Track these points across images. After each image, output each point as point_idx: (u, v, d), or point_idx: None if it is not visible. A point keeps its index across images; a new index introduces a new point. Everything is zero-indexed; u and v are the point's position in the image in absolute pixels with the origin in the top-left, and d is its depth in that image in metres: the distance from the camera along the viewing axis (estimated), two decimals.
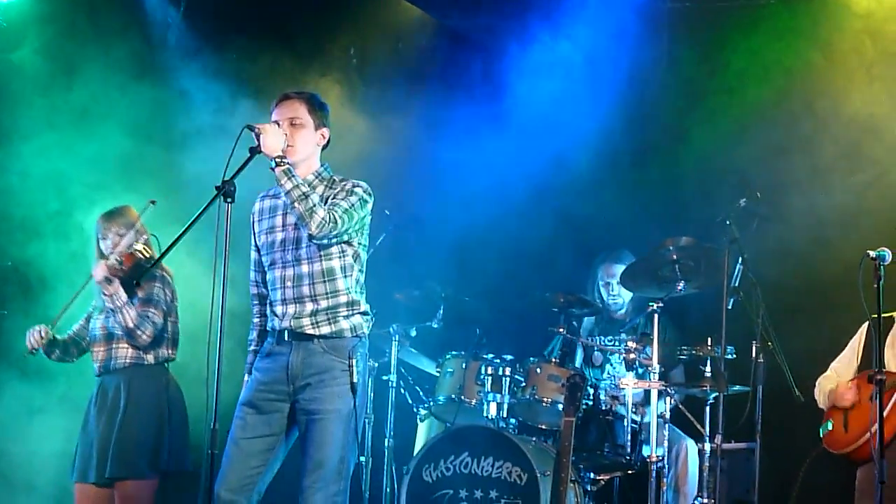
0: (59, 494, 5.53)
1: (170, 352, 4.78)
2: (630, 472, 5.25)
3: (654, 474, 5.04)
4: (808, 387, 4.94)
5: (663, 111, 6.43)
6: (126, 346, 4.69)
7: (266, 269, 4.10)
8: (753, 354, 5.09)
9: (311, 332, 3.96)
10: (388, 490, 5.64)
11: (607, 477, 5.21)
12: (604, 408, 5.33)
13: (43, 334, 4.76)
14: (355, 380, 3.93)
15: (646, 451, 5.14)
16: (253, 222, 4.18)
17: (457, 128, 6.20)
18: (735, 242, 5.09)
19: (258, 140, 3.86)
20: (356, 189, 4.02)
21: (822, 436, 4.69)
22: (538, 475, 4.92)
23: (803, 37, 6.06)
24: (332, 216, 3.89)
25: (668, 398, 5.24)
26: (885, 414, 4.22)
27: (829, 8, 6.06)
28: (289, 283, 4.00)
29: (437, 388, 5.56)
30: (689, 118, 6.21)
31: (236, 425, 3.98)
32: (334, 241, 3.97)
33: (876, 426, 4.10)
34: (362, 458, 5.57)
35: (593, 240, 6.23)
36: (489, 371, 5.36)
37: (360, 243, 4.08)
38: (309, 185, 3.96)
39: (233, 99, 5.94)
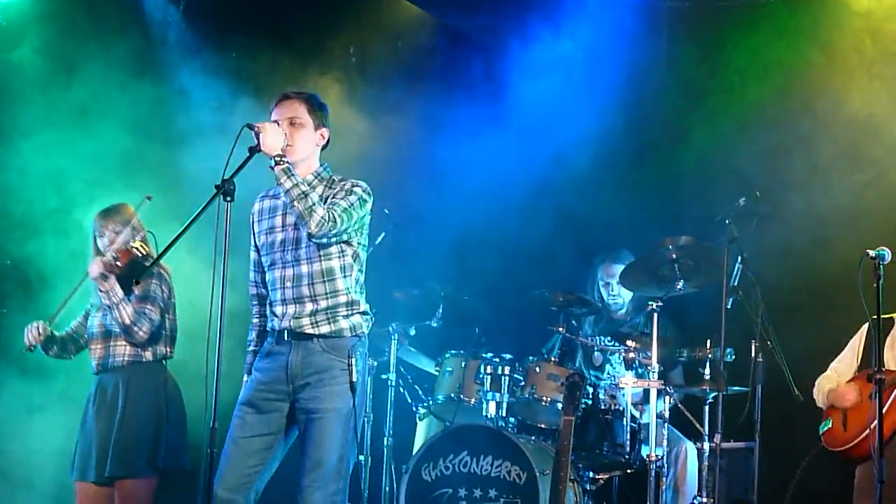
0: (59, 492, 5.53)
1: (167, 349, 4.78)
2: (629, 471, 5.25)
3: (653, 473, 5.04)
4: (807, 386, 4.94)
5: (663, 110, 6.43)
6: (124, 343, 4.69)
7: (266, 269, 4.10)
8: (753, 354, 5.09)
9: (310, 331, 3.96)
10: (387, 489, 5.64)
11: (606, 476, 5.21)
12: (603, 407, 5.33)
13: (41, 331, 4.76)
14: (354, 379, 3.93)
15: (645, 450, 5.14)
16: (252, 223, 4.18)
17: (456, 127, 6.20)
18: (734, 242, 5.10)
19: (258, 139, 3.86)
20: (355, 189, 4.02)
21: (821, 434, 4.69)
22: (537, 474, 4.92)
23: (803, 36, 6.06)
24: (331, 215, 3.89)
25: (667, 397, 5.24)
26: (883, 412, 4.22)
27: (828, 6, 6.06)
28: (288, 284, 4.00)
29: (437, 387, 5.56)
30: (689, 117, 6.21)
31: (235, 424, 3.98)
32: (333, 240, 3.97)
33: (875, 423, 4.10)
34: (361, 457, 5.57)
35: (593, 239, 6.23)
36: (488, 370, 5.36)
37: (359, 243, 4.08)
38: (308, 185, 3.96)
39: (232, 97, 5.94)
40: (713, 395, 5.07)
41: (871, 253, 4.25)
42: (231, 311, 3.69)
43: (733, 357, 5.12)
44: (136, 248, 4.65)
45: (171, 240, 3.72)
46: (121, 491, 4.63)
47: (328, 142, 4.14)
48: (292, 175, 3.90)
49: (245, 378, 4.12)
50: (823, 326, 5.47)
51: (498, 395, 5.30)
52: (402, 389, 5.79)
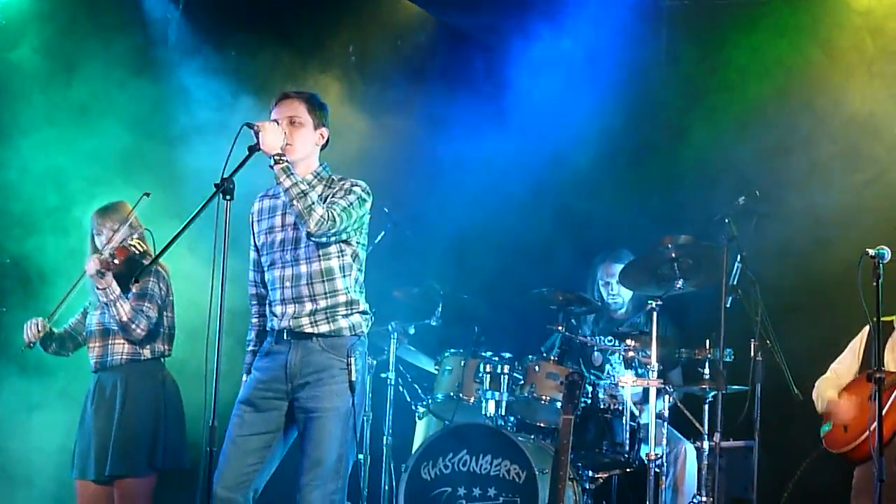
0: (59, 490, 5.53)
1: (166, 347, 4.79)
2: (628, 470, 5.24)
3: (652, 473, 5.03)
4: (806, 385, 4.93)
5: (663, 109, 6.43)
6: (122, 341, 4.70)
7: (265, 269, 4.10)
8: (752, 353, 5.08)
9: (309, 330, 3.96)
10: (386, 488, 5.64)
11: (606, 475, 5.21)
12: (602, 406, 5.33)
13: (40, 328, 4.77)
14: (354, 378, 3.93)
15: (644, 449, 5.14)
16: (252, 222, 4.18)
17: (455, 126, 6.20)
18: (734, 241, 5.09)
19: (257, 138, 3.86)
20: (354, 188, 4.02)
21: (821, 436, 4.69)
22: (536, 473, 4.92)
23: (804, 34, 6.05)
24: (330, 214, 3.89)
25: (666, 396, 5.24)
26: (883, 413, 4.22)
27: (829, 4, 6.06)
28: (287, 283, 4.00)
29: (436, 386, 5.56)
30: (689, 116, 6.20)
31: (234, 423, 3.98)
32: (333, 239, 3.97)
33: (875, 425, 4.10)
34: (361, 456, 5.57)
35: (592, 238, 6.23)
36: (488, 369, 5.36)
37: (358, 242, 4.08)
38: (308, 184, 3.96)
39: (232, 95, 5.94)
40: (713, 394, 5.07)
41: (871, 252, 4.25)
42: (231, 310, 3.69)
43: (733, 356, 5.12)
44: (134, 246, 4.66)
45: (171, 238, 3.73)
46: (120, 489, 4.63)
47: (328, 141, 4.14)
48: (292, 174, 3.90)
49: (244, 378, 4.12)
50: (823, 325, 5.47)
51: (497, 393, 5.30)
52: (401, 388, 5.79)
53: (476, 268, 6.30)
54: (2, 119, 5.86)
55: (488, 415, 5.30)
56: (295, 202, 3.87)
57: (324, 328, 3.96)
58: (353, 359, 3.95)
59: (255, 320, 4.20)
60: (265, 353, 4.04)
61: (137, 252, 4.66)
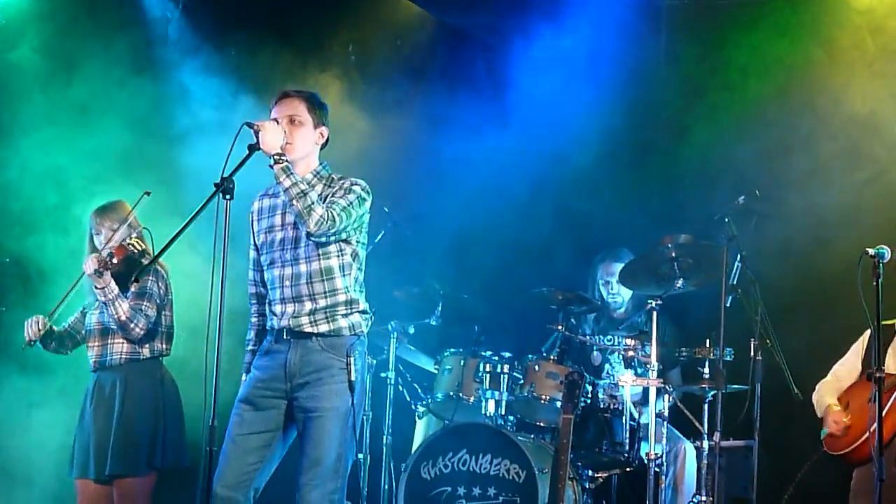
0: (59, 488, 5.54)
1: (164, 346, 4.79)
2: (628, 469, 5.25)
3: (652, 472, 5.03)
4: (806, 385, 4.94)
5: (663, 109, 6.42)
6: (121, 341, 4.70)
7: (265, 268, 4.10)
8: (752, 352, 5.08)
9: (309, 330, 3.96)
10: (386, 487, 5.65)
11: (605, 474, 5.21)
12: (602, 405, 5.32)
13: (41, 326, 4.76)
14: (353, 378, 3.93)
15: (644, 448, 5.14)
16: (252, 221, 4.18)
17: (455, 125, 6.20)
18: (734, 240, 5.09)
19: (257, 137, 3.86)
20: (354, 187, 4.02)
21: (822, 439, 4.69)
22: (536, 472, 4.92)
23: (804, 33, 6.04)
24: (330, 214, 3.89)
25: (666, 396, 5.24)
26: (883, 414, 4.22)
27: (829, 3, 6.05)
28: (287, 282, 4.00)
29: (436, 386, 5.56)
30: (689, 115, 6.20)
31: (233, 422, 3.98)
32: (332, 238, 3.97)
33: (875, 426, 4.09)
34: (360, 456, 5.58)
35: (592, 237, 6.22)
36: (487, 368, 5.36)
37: (358, 241, 4.08)
38: (307, 184, 3.96)
39: (232, 94, 5.95)
40: (712, 393, 5.07)
41: (871, 251, 4.24)
42: (233, 309, 3.70)
43: (732, 356, 5.12)
44: (132, 245, 4.65)
45: (171, 238, 3.72)
46: (119, 489, 4.63)
47: (327, 140, 4.14)
48: (291, 174, 3.90)
49: (243, 377, 4.12)
50: (823, 325, 5.47)
51: (497, 393, 5.30)
52: (401, 388, 5.79)
53: (476, 267, 6.30)
54: (2, 118, 5.86)
55: (488, 414, 5.30)
56: (294, 202, 3.87)
57: (323, 328, 3.96)
58: (352, 358, 3.95)
59: (254, 319, 4.20)
60: (265, 352, 4.05)
61: (136, 251, 4.66)
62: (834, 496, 4.81)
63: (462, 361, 5.46)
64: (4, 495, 5.72)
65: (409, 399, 5.81)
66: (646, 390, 5.22)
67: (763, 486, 5.18)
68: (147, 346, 4.72)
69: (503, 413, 5.31)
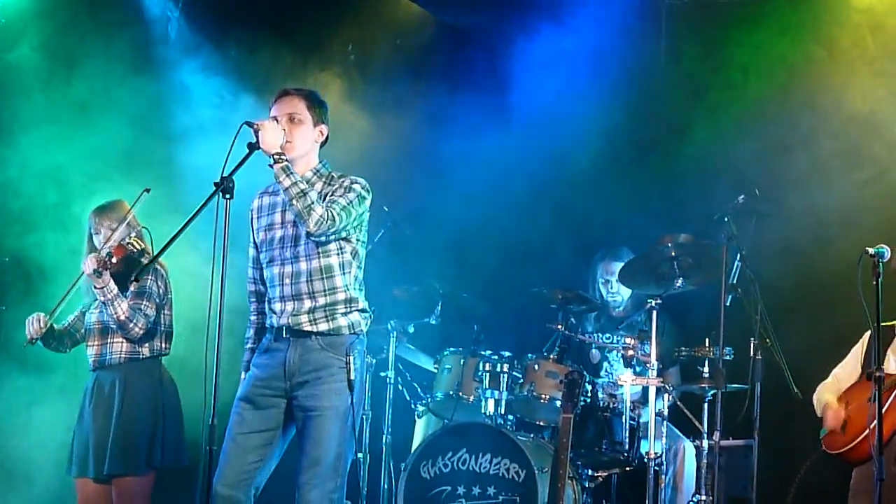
0: (59, 487, 5.54)
1: (164, 345, 4.78)
2: (628, 468, 5.24)
3: (652, 471, 5.03)
4: (806, 384, 4.93)
5: (664, 107, 6.42)
6: (121, 340, 4.70)
7: (264, 265, 4.10)
8: (752, 351, 5.08)
9: (308, 328, 3.96)
10: (385, 486, 5.65)
11: (605, 474, 5.20)
12: (602, 405, 5.32)
13: (42, 323, 4.76)
14: (352, 377, 3.93)
15: (644, 447, 5.14)
16: (251, 219, 4.18)
17: (455, 124, 6.20)
18: (733, 239, 5.09)
19: (257, 137, 3.86)
20: (354, 186, 4.01)
21: (821, 438, 4.69)
22: (536, 472, 4.92)
23: (805, 32, 6.04)
24: (330, 213, 3.88)
25: (666, 395, 5.24)
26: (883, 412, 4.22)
27: (829, 2, 6.04)
28: (287, 280, 4.00)
29: (435, 385, 5.56)
30: (690, 114, 6.19)
31: (233, 421, 3.98)
32: (332, 238, 3.97)
33: (875, 423, 4.09)
34: (360, 455, 5.58)
35: (592, 236, 6.22)
36: (487, 367, 5.36)
37: (358, 240, 4.08)
38: (307, 182, 3.96)
39: (232, 93, 5.96)
40: (712, 392, 5.06)
41: (871, 251, 4.24)
42: (233, 309, 3.69)
43: (732, 355, 5.11)
44: (131, 244, 4.65)
45: (170, 238, 3.72)
46: (118, 488, 4.63)
47: (327, 138, 4.14)
48: (291, 174, 3.90)
49: (243, 375, 4.12)
50: (823, 324, 5.46)
51: (497, 392, 5.30)
52: (400, 387, 5.79)
53: (476, 266, 6.30)
54: (2, 116, 5.87)
55: (488, 413, 5.29)
56: (294, 202, 3.87)
57: (323, 326, 3.96)
58: (351, 357, 3.95)
59: (253, 317, 4.20)
60: (264, 350, 4.04)
61: (135, 250, 4.66)
62: (834, 496, 4.81)
63: (462, 361, 5.46)
64: (5, 493, 5.73)
65: (408, 398, 5.81)
66: (645, 389, 5.22)
67: (763, 486, 5.18)
68: (147, 345, 4.72)
69: (503, 412, 5.30)
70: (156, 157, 5.91)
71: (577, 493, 5.00)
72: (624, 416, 5.23)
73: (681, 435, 5.45)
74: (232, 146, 3.76)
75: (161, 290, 4.75)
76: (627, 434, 5.22)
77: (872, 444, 4.11)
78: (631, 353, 5.20)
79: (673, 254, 5.24)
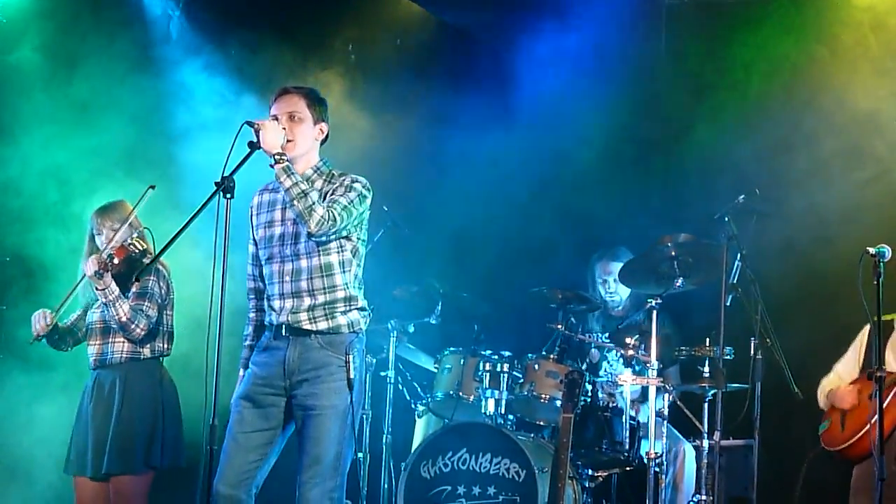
0: (60, 484, 5.53)
1: (165, 346, 4.78)
2: (628, 468, 5.24)
3: (652, 471, 5.03)
4: (806, 384, 4.94)
5: (665, 107, 6.41)
6: (122, 340, 4.69)
7: (263, 262, 4.09)
8: (752, 351, 5.07)
9: (308, 327, 3.95)
10: (385, 486, 5.65)
11: (605, 473, 5.21)
12: (602, 404, 5.32)
13: (49, 321, 4.75)
14: (352, 376, 3.92)
15: (644, 447, 5.14)
16: (251, 216, 4.18)
17: (456, 124, 6.20)
18: (734, 239, 5.09)
19: (257, 136, 3.86)
20: (355, 185, 4.01)
21: (820, 434, 4.69)
22: (536, 471, 4.91)
23: (808, 31, 6.03)
24: (330, 214, 3.88)
25: (666, 395, 5.23)
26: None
27: (831, 0, 6.04)
28: (287, 278, 3.99)
29: (435, 385, 5.55)
30: (692, 114, 6.19)
31: (234, 419, 3.98)
32: (333, 237, 3.97)
33: (875, 420, 4.09)
34: (360, 455, 5.58)
35: (593, 236, 6.22)
36: (487, 367, 5.36)
37: (358, 238, 4.07)
38: (308, 180, 3.96)
39: (233, 92, 5.95)
40: (712, 392, 5.06)
41: (871, 250, 4.25)
42: (234, 309, 3.69)
43: (733, 354, 5.11)
44: (133, 245, 4.65)
45: (171, 238, 3.72)
46: (116, 487, 4.63)
47: (327, 136, 4.13)
48: (292, 174, 3.89)
49: (241, 373, 4.12)
50: (823, 324, 5.46)
51: (497, 392, 5.29)
52: (400, 387, 5.79)
53: (476, 266, 6.30)
54: (3, 116, 5.87)
55: (488, 413, 5.29)
56: (295, 202, 3.86)
57: (322, 325, 3.96)
58: (351, 356, 3.94)
59: (252, 315, 4.18)
60: (263, 348, 4.04)
61: (137, 251, 4.66)
62: (833, 495, 4.81)
63: (462, 360, 5.46)
64: (6, 492, 5.73)
65: (408, 398, 5.81)
66: (645, 389, 5.22)
67: (763, 486, 5.18)
68: (148, 345, 4.72)
69: (503, 412, 5.30)
70: (157, 155, 5.91)
71: (578, 493, 5.00)
72: (624, 416, 5.23)
73: (681, 437, 5.45)
74: (233, 146, 3.75)
75: (163, 291, 4.75)
76: (628, 434, 5.21)
77: (872, 441, 4.11)
78: (631, 352, 5.20)
79: (673, 253, 5.24)
